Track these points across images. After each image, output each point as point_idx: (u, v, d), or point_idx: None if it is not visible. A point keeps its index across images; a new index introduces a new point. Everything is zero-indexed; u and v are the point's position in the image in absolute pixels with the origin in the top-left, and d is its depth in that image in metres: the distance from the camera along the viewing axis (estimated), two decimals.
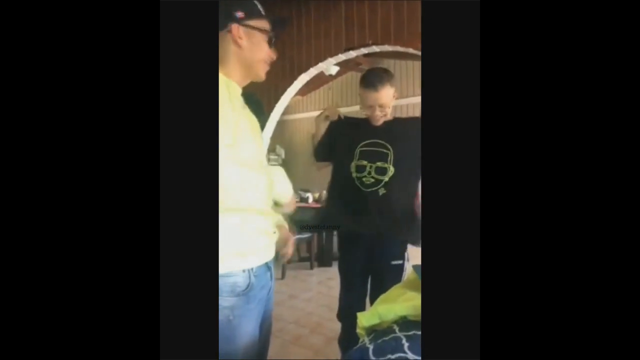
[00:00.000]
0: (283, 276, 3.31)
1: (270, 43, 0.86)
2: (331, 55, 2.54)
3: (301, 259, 3.90)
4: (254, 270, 0.80)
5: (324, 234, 3.79)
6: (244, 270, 0.78)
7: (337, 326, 2.32)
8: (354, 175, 1.44)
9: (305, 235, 3.58)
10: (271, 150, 3.90)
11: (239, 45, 0.82)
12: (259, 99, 3.18)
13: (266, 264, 0.86)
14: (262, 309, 0.86)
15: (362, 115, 1.53)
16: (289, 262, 0.87)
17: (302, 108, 4.91)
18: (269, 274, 0.88)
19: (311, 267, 3.64)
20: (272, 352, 1.95)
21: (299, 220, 3.74)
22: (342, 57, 2.53)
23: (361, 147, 1.46)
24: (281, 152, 5.14)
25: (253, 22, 0.83)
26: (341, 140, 1.55)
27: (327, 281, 3.26)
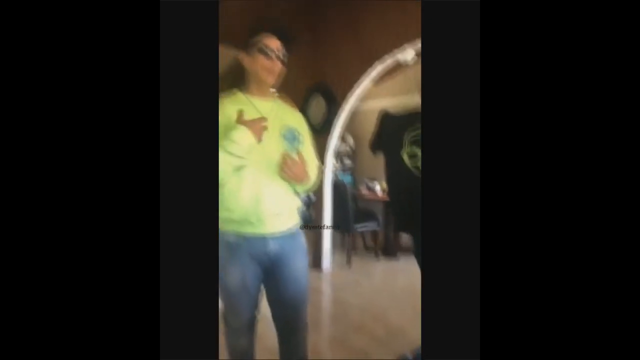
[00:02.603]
0: (348, 263, 3.38)
1: (265, 54, 1.09)
2: (408, 42, 2.46)
3: (367, 248, 3.93)
4: (245, 235, 1.09)
5: (390, 224, 3.75)
6: (231, 233, 1.09)
7: (399, 318, 2.32)
8: (407, 163, 1.46)
9: (371, 224, 3.59)
10: (341, 139, 3.94)
11: (246, 65, 1.13)
12: (331, 91, 3.21)
13: (262, 235, 1.11)
14: (256, 266, 1.12)
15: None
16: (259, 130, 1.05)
17: (375, 96, 4.84)
18: (264, 242, 1.12)
19: (377, 257, 3.65)
20: (333, 336, 2.03)
21: (365, 210, 3.75)
22: (420, 43, 2.44)
23: (410, 133, 1.47)
24: (350, 140, 5.16)
25: (252, 43, 1.10)
26: (390, 131, 1.59)
27: (392, 272, 3.25)
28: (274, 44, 1.10)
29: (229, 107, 1.07)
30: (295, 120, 1.21)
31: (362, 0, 2.79)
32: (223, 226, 1.09)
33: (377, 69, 2.74)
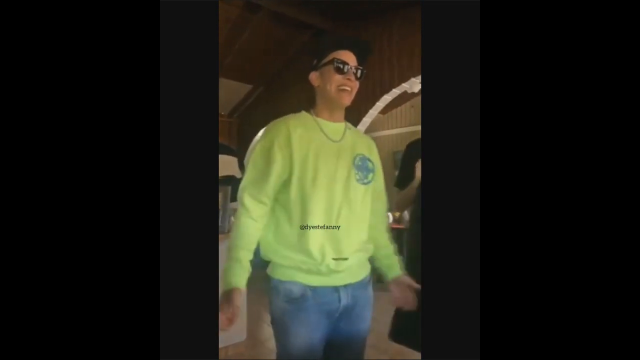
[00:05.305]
0: None
1: (339, 71, 0.94)
2: (414, 75, 2.49)
3: (380, 281, 3.79)
4: (312, 286, 0.92)
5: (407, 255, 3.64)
6: (295, 282, 0.91)
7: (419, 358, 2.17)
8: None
9: None
10: None
11: (317, 86, 0.99)
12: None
13: (334, 287, 0.95)
14: (325, 322, 0.94)
15: None
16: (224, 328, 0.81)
17: (383, 126, 4.88)
18: (336, 295, 0.95)
19: (390, 290, 3.51)
20: None
21: None
22: None
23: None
24: None
25: (324, 60, 0.96)
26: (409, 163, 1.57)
27: None
28: (350, 59, 0.96)
29: (293, 126, 0.93)
30: (368, 147, 1.07)
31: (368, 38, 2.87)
32: (283, 275, 0.92)
33: (384, 99, 2.77)
